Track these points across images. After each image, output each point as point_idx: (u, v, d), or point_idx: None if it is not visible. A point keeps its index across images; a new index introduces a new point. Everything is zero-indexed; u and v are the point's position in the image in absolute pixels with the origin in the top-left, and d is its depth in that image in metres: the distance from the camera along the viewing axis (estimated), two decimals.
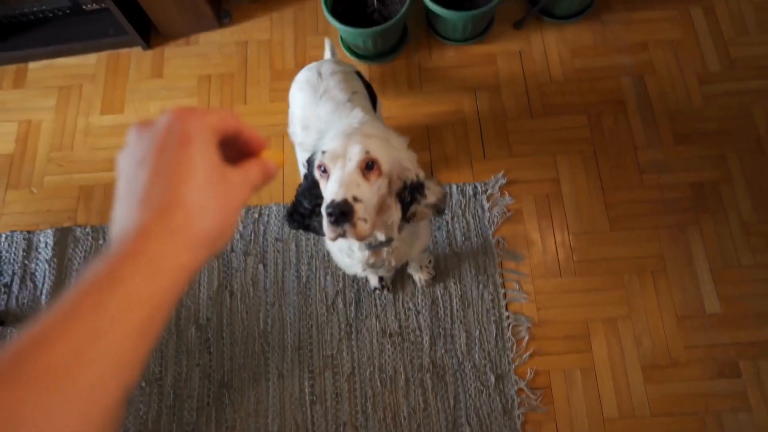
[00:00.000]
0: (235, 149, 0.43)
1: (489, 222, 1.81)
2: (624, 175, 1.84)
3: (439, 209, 1.07)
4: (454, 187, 1.84)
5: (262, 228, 1.84)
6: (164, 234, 0.35)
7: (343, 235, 0.89)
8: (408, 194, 1.00)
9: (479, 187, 1.84)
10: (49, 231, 1.85)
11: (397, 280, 1.74)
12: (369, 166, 0.93)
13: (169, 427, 1.65)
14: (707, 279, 1.71)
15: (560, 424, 1.59)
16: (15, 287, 1.80)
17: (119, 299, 0.31)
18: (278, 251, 1.81)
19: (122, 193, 0.38)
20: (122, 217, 0.36)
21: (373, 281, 1.71)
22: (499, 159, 1.88)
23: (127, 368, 0.32)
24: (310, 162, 1.02)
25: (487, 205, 1.82)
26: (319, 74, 1.36)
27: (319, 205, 0.99)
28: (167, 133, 0.37)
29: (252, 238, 1.83)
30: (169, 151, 0.37)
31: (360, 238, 0.90)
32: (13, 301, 1.78)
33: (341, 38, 2.02)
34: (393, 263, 1.25)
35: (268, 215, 1.85)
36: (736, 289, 1.69)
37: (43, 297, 1.78)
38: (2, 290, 1.80)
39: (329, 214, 0.87)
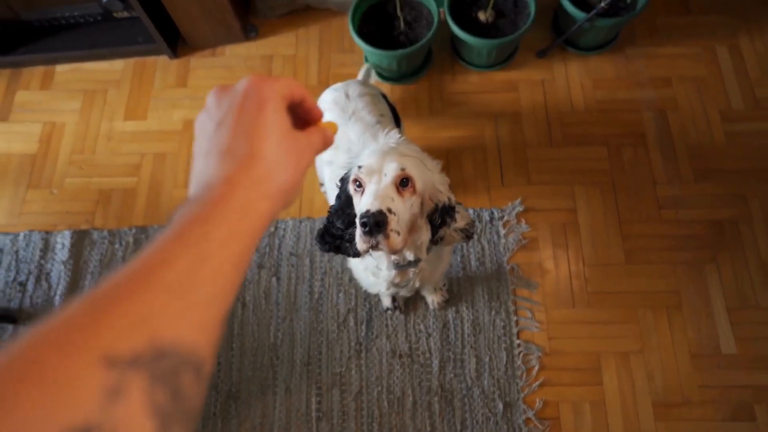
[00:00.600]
0: (297, 116, 0.48)
1: (504, 248, 1.80)
2: (642, 209, 1.83)
3: (467, 234, 1.09)
4: (471, 211, 1.84)
5: (277, 242, 1.85)
6: (249, 183, 0.39)
7: (375, 247, 0.90)
8: (438, 217, 1.02)
9: (496, 213, 1.84)
10: (66, 232, 1.87)
11: (409, 301, 1.74)
12: (404, 183, 0.94)
13: None
14: (723, 318, 1.69)
15: None
16: (30, 286, 1.81)
17: (220, 233, 0.35)
18: (292, 266, 1.82)
19: (202, 150, 0.42)
20: (204, 169, 0.40)
21: (386, 302, 1.71)
22: (517, 186, 1.88)
23: (228, 293, 0.36)
24: (344, 180, 1.04)
25: (503, 232, 1.82)
26: (347, 95, 1.38)
27: (353, 224, 1.01)
28: (245, 98, 0.42)
29: (267, 251, 1.84)
30: (247, 113, 0.41)
31: (392, 251, 0.91)
32: (27, 299, 1.79)
33: (365, 58, 2.04)
34: (417, 284, 1.25)
35: (284, 229, 1.86)
36: (753, 330, 1.67)
37: (57, 298, 1.79)
38: (17, 288, 1.81)
39: (363, 224, 0.88)
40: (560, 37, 1.99)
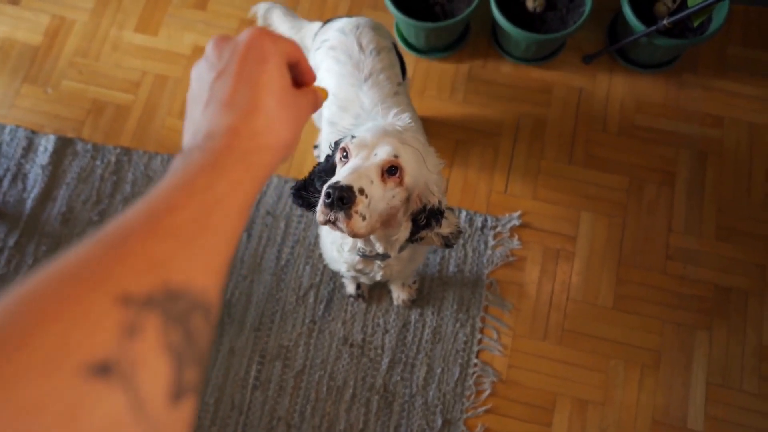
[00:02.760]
0: (292, 76, 0.47)
1: (488, 260, 1.68)
2: (647, 255, 1.67)
3: (448, 242, 0.99)
4: (464, 213, 1.71)
5: (257, 196, 1.76)
6: (251, 134, 0.39)
7: (333, 222, 0.82)
8: (424, 218, 0.93)
9: (489, 221, 1.71)
10: (51, 136, 1.81)
11: (375, 291, 1.65)
12: (391, 171, 0.85)
13: None
14: (699, 392, 1.56)
15: None
16: (5, 183, 1.78)
17: (225, 182, 0.36)
18: (266, 225, 1.73)
19: (200, 99, 0.42)
20: (202, 119, 0.40)
21: (350, 288, 1.62)
22: (520, 198, 1.73)
23: (232, 241, 0.36)
24: (336, 144, 0.95)
25: (491, 243, 1.69)
26: (360, 47, 1.23)
27: None
28: (247, 50, 0.42)
29: None
30: (250, 65, 0.41)
31: (351, 234, 0.82)
32: (0, 196, 1.77)
33: (396, 24, 1.87)
34: (379, 278, 1.18)
35: (268, 185, 1.77)
36: (728, 412, 1.54)
37: (29, 201, 1.76)
38: None
39: (327, 194, 0.79)
40: (613, 45, 1.77)
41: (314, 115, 1.46)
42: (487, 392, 1.57)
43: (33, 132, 1.83)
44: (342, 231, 0.82)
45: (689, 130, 1.78)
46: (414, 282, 1.63)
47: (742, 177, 1.74)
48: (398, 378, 1.59)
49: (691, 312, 1.63)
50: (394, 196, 0.87)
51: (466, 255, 1.69)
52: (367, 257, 1.06)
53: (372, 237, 0.96)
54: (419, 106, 1.82)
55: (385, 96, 1.19)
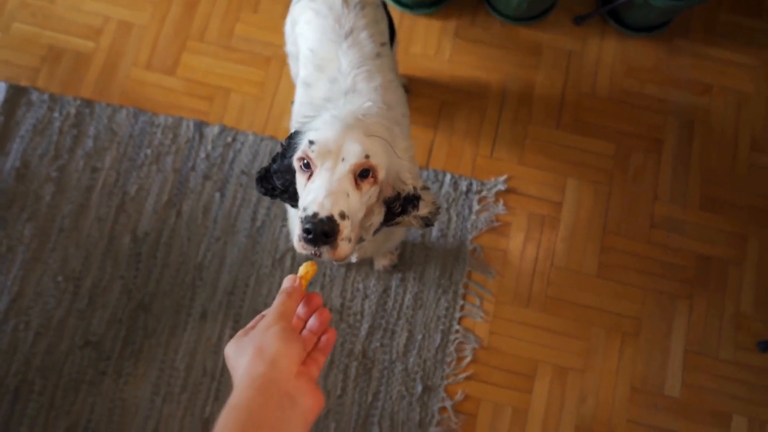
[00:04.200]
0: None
1: (472, 226, 1.63)
2: (632, 223, 1.65)
3: (428, 222, 0.92)
4: (448, 177, 1.65)
5: (231, 155, 1.66)
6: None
7: (318, 255, 0.74)
8: (399, 206, 0.85)
9: (474, 186, 1.65)
10: (2, 84, 1.66)
11: None
12: (364, 174, 0.77)
13: (73, 332, 1.53)
14: (678, 359, 1.56)
15: None
16: None
17: None
18: (241, 185, 1.64)
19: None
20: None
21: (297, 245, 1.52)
22: (506, 162, 1.68)
23: None
24: (290, 144, 0.84)
25: (476, 207, 1.64)
26: (345, 1, 1.13)
27: (293, 186, 0.83)
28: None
29: (218, 162, 1.65)
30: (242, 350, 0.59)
31: (338, 260, 0.75)
32: None
33: None
34: (354, 259, 1.10)
35: (242, 143, 1.67)
36: (704, 379, 1.55)
37: None
38: None
39: (306, 231, 0.72)
40: (606, 6, 1.71)
41: (291, 74, 1.36)
42: (468, 359, 1.54)
43: None
44: (327, 259, 0.75)
45: (678, 98, 1.75)
46: (396, 249, 1.57)
47: (728, 146, 1.72)
48: (378, 344, 1.55)
49: (672, 281, 1.62)
50: (370, 197, 0.80)
51: (449, 220, 1.63)
52: None
53: None
54: (404, 64, 1.74)
55: (365, 57, 1.09)
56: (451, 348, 1.55)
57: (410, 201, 0.86)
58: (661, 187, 1.68)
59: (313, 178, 0.77)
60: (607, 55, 1.78)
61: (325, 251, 0.73)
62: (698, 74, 1.77)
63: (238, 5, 1.76)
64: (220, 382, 1.51)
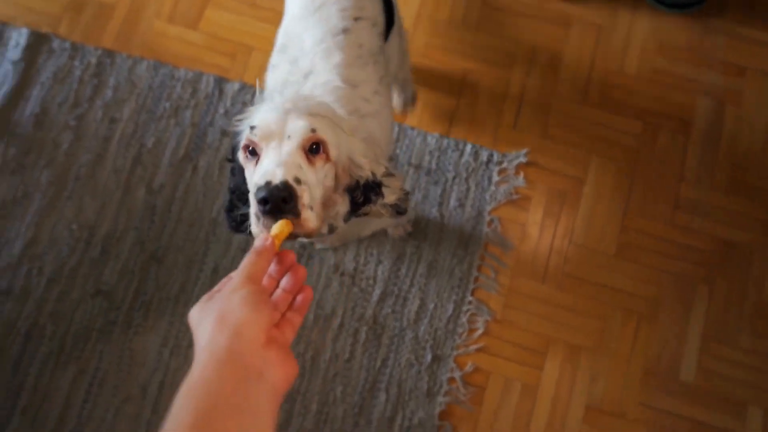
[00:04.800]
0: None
1: (491, 197, 1.60)
2: (655, 204, 1.61)
3: (398, 210, 0.86)
4: (468, 146, 1.62)
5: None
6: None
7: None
8: (361, 194, 0.80)
9: (495, 157, 1.62)
10: (24, 30, 1.65)
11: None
12: (314, 149, 0.72)
13: (84, 280, 1.53)
14: (694, 344, 1.53)
15: (479, 428, 1.47)
16: None
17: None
18: None
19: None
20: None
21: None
22: (529, 135, 1.64)
23: None
24: (234, 147, 0.78)
25: (495, 179, 1.61)
26: None
27: (237, 189, 0.78)
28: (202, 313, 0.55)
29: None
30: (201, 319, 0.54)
31: (307, 234, 0.68)
32: None
33: None
34: (336, 243, 1.04)
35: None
36: (720, 366, 1.51)
37: None
38: None
39: (262, 201, 0.64)
40: None
41: None
42: (480, 331, 1.52)
43: (3, 23, 1.66)
44: (297, 237, 0.69)
45: (710, 78, 1.70)
46: (409, 220, 1.54)
47: (760, 131, 1.67)
48: (389, 311, 1.53)
49: (693, 264, 1.58)
50: (326, 176, 0.74)
51: (468, 190, 1.61)
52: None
53: None
54: (430, 30, 1.70)
55: (327, 33, 0.99)
56: (463, 319, 1.53)
57: (371, 189, 0.80)
58: (687, 168, 1.64)
59: (260, 160, 0.71)
60: (639, 32, 1.73)
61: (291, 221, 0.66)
62: (732, 55, 1.72)
63: None
64: None
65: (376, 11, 1.08)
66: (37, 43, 1.64)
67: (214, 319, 0.50)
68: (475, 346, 1.51)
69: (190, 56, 1.67)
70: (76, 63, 1.64)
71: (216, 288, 0.56)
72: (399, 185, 0.85)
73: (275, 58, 1.05)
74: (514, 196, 1.60)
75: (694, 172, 1.63)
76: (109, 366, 1.47)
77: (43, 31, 1.65)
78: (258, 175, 0.68)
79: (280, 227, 0.62)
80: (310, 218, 0.67)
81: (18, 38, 1.64)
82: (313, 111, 0.74)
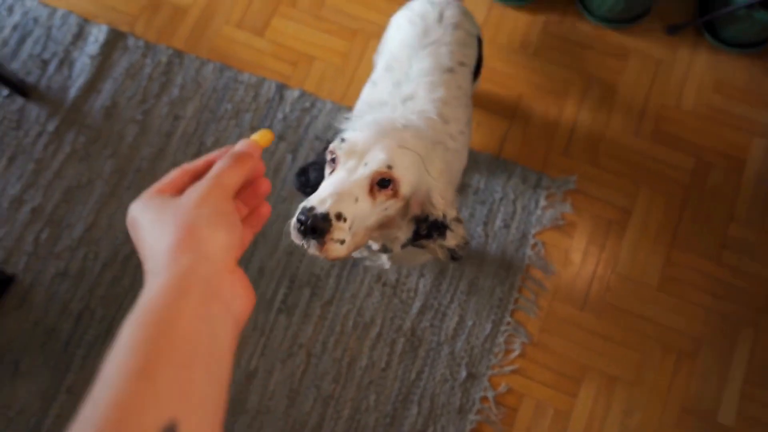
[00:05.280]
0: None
1: (537, 221, 1.61)
2: (702, 240, 1.60)
3: (454, 255, 0.88)
4: (518, 168, 1.64)
5: (307, 119, 1.69)
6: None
7: (306, 248, 0.73)
8: (425, 228, 0.83)
9: (544, 181, 1.63)
10: (104, 27, 1.74)
11: None
12: (383, 183, 0.75)
13: (135, 269, 1.58)
14: (735, 387, 1.50)
15: None
16: (51, 67, 1.72)
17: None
18: (313, 149, 1.67)
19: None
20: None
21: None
22: (579, 162, 1.65)
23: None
24: (327, 142, 0.84)
25: (543, 203, 1.62)
26: (441, 17, 1.12)
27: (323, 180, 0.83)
28: (134, 218, 0.47)
29: (294, 125, 1.68)
30: (137, 226, 0.47)
31: (327, 258, 0.73)
32: (45, 80, 1.71)
33: None
34: (387, 267, 1.08)
35: (320, 110, 1.70)
36: (762, 412, 1.48)
37: (73, 90, 1.69)
38: (39, 65, 1.72)
39: (299, 221, 0.70)
40: (703, 17, 1.67)
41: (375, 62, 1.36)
42: (516, 352, 1.52)
43: (85, 20, 1.76)
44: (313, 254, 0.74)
45: (766, 119, 1.69)
46: None
47: None
48: (427, 324, 1.54)
49: (739, 306, 1.56)
50: (386, 209, 0.77)
51: (514, 211, 1.62)
52: (370, 248, 0.96)
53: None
54: (488, 53, 1.74)
55: (435, 68, 1.06)
56: (501, 339, 1.53)
57: (437, 227, 0.83)
58: (738, 208, 1.62)
59: (333, 173, 0.77)
60: (697, 68, 1.73)
61: (313, 246, 0.72)
62: None
63: None
64: (268, 338, 1.53)
65: (472, 61, 1.18)
66: (115, 40, 1.73)
67: (175, 233, 0.41)
68: (510, 367, 1.51)
69: (255, 62, 1.73)
70: (148, 61, 1.73)
71: (167, 180, 0.47)
72: (462, 233, 0.87)
73: (379, 75, 1.11)
74: (560, 222, 1.61)
75: (745, 213, 1.62)
76: None
77: (122, 30, 1.74)
78: (319, 190, 0.74)
79: (262, 134, 0.53)
80: (332, 250, 0.72)
81: (98, 34, 1.73)
82: (408, 144, 0.77)
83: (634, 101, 1.71)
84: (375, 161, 0.74)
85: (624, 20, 1.73)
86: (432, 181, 0.81)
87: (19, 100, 1.68)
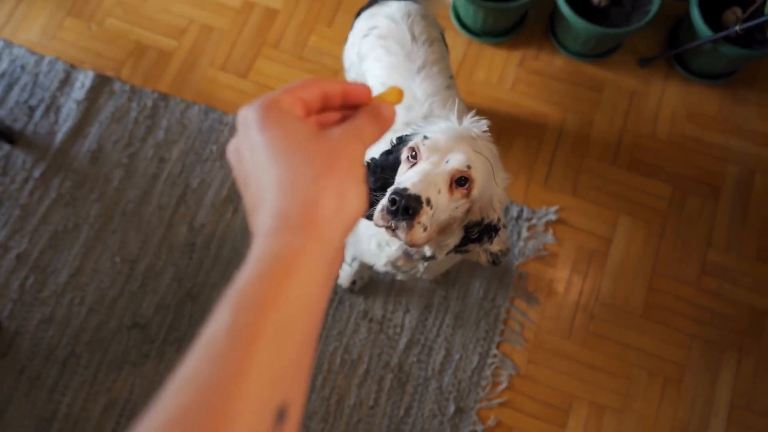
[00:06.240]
0: (337, 110, 0.40)
1: (519, 252, 1.64)
2: (683, 267, 1.63)
3: (496, 260, 0.93)
4: None
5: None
6: (274, 235, 0.33)
7: (391, 229, 0.77)
8: (478, 232, 0.87)
9: (525, 212, 1.66)
10: (90, 73, 1.77)
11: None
12: (461, 182, 0.80)
13: (122, 312, 1.59)
14: (722, 411, 1.51)
15: None
16: (38, 113, 1.74)
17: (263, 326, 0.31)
18: None
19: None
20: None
21: (346, 281, 1.54)
22: (559, 193, 1.69)
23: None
24: (402, 140, 0.89)
25: (525, 234, 1.65)
26: (413, 36, 1.17)
27: (382, 188, 0.86)
28: (245, 133, 0.36)
29: None
30: (248, 151, 0.35)
31: (410, 244, 0.77)
32: (32, 126, 1.73)
33: (454, 4, 1.83)
34: (419, 275, 1.12)
35: None
36: None
37: (59, 135, 1.72)
38: (26, 111, 1.74)
39: (392, 200, 0.74)
40: (672, 50, 1.73)
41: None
42: (504, 385, 1.53)
43: (72, 66, 1.79)
44: (398, 239, 0.78)
45: (740, 146, 1.74)
46: None
47: None
48: (414, 359, 1.55)
49: (722, 331, 1.58)
50: (457, 208, 0.82)
51: None
52: (411, 257, 1.01)
53: None
54: (466, 89, 1.78)
55: (438, 88, 1.14)
56: (488, 372, 1.54)
57: (490, 230, 0.88)
58: (716, 234, 1.66)
59: (415, 166, 0.82)
60: (670, 99, 1.79)
61: (401, 228, 0.75)
62: (762, 125, 1.76)
63: (314, 18, 1.85)
64: None
65: (451, 68, 1.25)
66: (101, 84, 1.76)
67: (330, 193, 0.33)
68: (498, 400, 1.51)
69: (239, 103, 1.76)
70: (134, 104, 1.75)
71: (299, 93, 0.37)
72: (505, 239, 0.93)
73: None
74: (543, 252, 1.63)
75: (723, 238, 1.65)
76: (139, 398, 1.51)
77: (108, 75, 1.77)
78: (406, 176, 0.79)
79: (395, 94, 0.42)
80: (417, 234, 0.76)
81: (84, 80, 1.76)
82: (479, 149, 0.83)
83: (610, 132, 1.76)
84: (456, 159, 0.79)
85: (597, 54, 1.79)
86: (496, 188, 0.86)
87: (6, 147, 1.70)
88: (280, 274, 0.31)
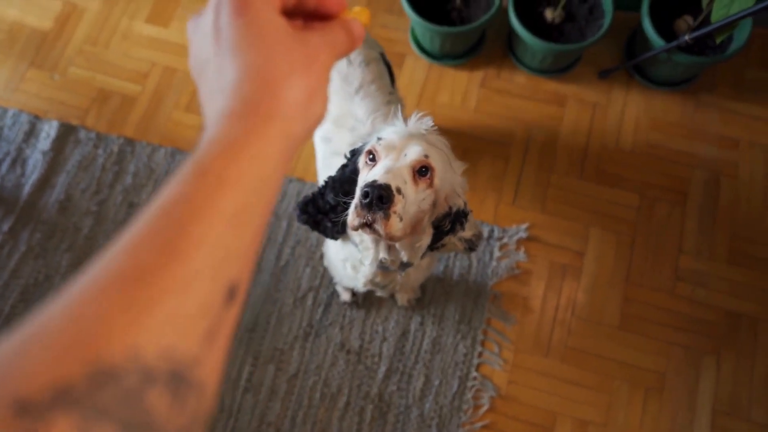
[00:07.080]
0: (309, 16, 0.39)
1: (493, 272, 1.64)
2: (656, 275, 1.63)
3: (471, 246, 0.97)
4: None
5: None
6: (243, 119, 0.32)
7: (369, 225, 0.78)
8: (449, 222, 0.90)
9: (496, 232, 1.67)
10: (54, 122, 1.78)
11: (374, 298, 1.60)
12: (422, 172, 0.83)
13: None
14: (705, 418, 1.51)
15: None
16: (4, 167, 1.75)
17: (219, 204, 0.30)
18: (267, 225, 1.69)
19: (205, 93, 0.36)
20: (207, 114, 0.35)
21: (345, 296, 1.58)
22: (528, 210, 1.69)
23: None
24: (355, 151, 0.92)
25: (497, 254, 1.65)
26: (348, 60, 1.20)
27: (343, 202, 0.90)
28: (216, 15, 0.34)
29: None
30: (223, 33, 0.34)
31: (389, 237, 0.79)
32: None
33: (412, 28, 1.84)
34: (398, 288, 1.15)
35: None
36: None
37: (26, 187, 1.72)
38: None
39: (365, 194, 0.76)
40: (630, 61, 1.75)
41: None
42: (486, 407, 1.52)
43: (36, 117, 1.80)
44: (378, 234, 0.79)
45: (704, 151, 1.75)
46: (414, 289, 1.58)
47: (757, 201, 1.70)
48: (394, 388, 1.55)
49: (699, 336, 1.58)
50: (424, 199, 0.84)
51: (470, 265, 1.65)
52: (388, 269, 1.02)
53: (397, 245, 0.92)
54: (430, 112, 1.78)
55: (378, 105, 1.17)
56: (469, 395, 1.54)
57: (460, 217, 0.91)
58: (686, 240, 1.66)
59: (376, 166, 0.84)
60: (632, 108, 1.80)
61: (378, 220, 0.77)
62: (725, 129, 1.77)
63: None
64: (236, 419, 1.52)
65: (390, 84, 1.27)
66: (66, 133, 1.77)
67: (305, 80, 0.35)
68: (480, 423, 1.51)
69: None
70: (100, 151, 1.76)
71: None
72: (476, 223, 0.96)
73: (329, 131, 1.19)
74: (516, 271, 1.64)
75: (693, 244, 1.66)
76: None
77: (73, 123, 1.78)
78: (370, 174, 0.81)
79: (363, 14, 0.42)
80: (395, 225, 0.78)
81: (49, 130, 1.77)
82: (432, 142, 0.87)
83: (575, 145, 1.77)
84: (414, 151, 0.83)
85: (558, 69, 1.81)
86: (455, 175, 0.90)
87: None
88: (246, 156, 0.31)
